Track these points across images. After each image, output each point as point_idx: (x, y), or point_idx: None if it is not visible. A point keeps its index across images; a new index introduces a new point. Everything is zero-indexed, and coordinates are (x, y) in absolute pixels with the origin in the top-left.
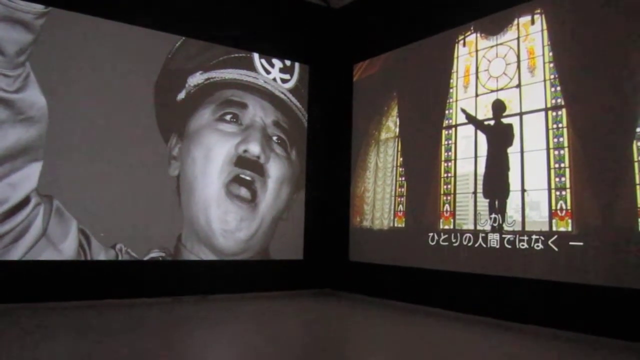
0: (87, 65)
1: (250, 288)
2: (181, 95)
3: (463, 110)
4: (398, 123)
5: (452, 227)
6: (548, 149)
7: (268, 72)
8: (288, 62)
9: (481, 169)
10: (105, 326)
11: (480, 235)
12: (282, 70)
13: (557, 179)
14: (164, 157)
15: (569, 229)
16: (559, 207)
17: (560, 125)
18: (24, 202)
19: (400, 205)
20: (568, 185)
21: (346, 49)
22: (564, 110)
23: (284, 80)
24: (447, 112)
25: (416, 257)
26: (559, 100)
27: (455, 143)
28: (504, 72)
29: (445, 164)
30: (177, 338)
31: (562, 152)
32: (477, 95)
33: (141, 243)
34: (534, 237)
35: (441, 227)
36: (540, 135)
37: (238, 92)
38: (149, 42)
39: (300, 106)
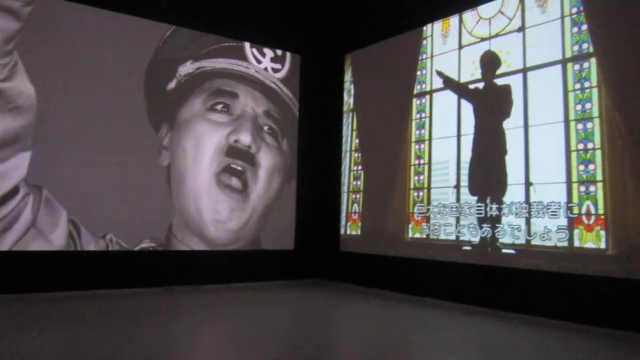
0: (76, 54)
1: (241, 278)
2: (171, 85)
3: (440, 73)
4: (352, 90)
5: (424, 236)
6: (567, 121)
7: (259, 62)
8: (279, 52)
9: (466, 154)
10: (95, 316)
11: (464, 249)
12: (273, 60)
13: (582, 168)
14: (154, 147)
15: (601, 245)
16: (584, 210)
17: (587, 84)
18: (13, 192)
19: (356, 205)
20: (599, 177)
21: (338, 38)
22: (592, 61)
23: (275, 70)
24: (418, 73)
25: (406, 246)
26: (584, 47)
27: (431, 117)
28: (500, 10)
29: (417, 147)
30: (167, 328)
31: (589, 125)
32: (460, 47)
33: (131, 233)
34: (545, 256)
35: (410, 235)
36: (555, 101)
37: (229, 81)
38: (139, 30)
39: (291, 96)
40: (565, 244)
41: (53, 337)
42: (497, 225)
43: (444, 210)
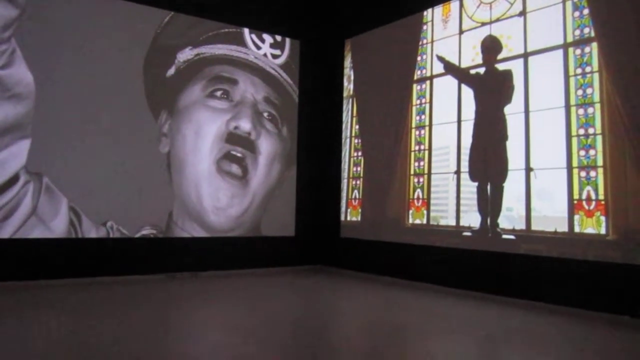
0: (74, 41)
1: (241, 265)
2: (171, 72)
3: (440, 58)
4: (352, 77)
5: (425, 221)
6: (568, 106)
7: (258, 48)
8: (279, 38)
9: (467, 139)
10: (97, 304)
11: (464, 235)
12: (272, 46)
13: (583, 153)
14: (154, 134)
15: (601, 230)
16: (585, 196)
17: (588, 69)
18: (13, 179)
19: (356, 191)
20: (600, 163)
21: (337, 24)
22: (593, 45)
23: (274, 56)
24: (419, 59)
25: (406, 232)
26: (586, 31)
27: (431, 102)
28: None
29: (417, 133)
30: (168, 315)
31: (590, 110)
32: (461, 32)
33: (132, 220)
34: (545, 242)
35: (410, 221)
36: (556, 86)
37: (228, 68)
38: (137, 17)
39: (291, 82)
40: (566, 229)
41: (54, 325)
42: (498, 210)
43: (444, 196)
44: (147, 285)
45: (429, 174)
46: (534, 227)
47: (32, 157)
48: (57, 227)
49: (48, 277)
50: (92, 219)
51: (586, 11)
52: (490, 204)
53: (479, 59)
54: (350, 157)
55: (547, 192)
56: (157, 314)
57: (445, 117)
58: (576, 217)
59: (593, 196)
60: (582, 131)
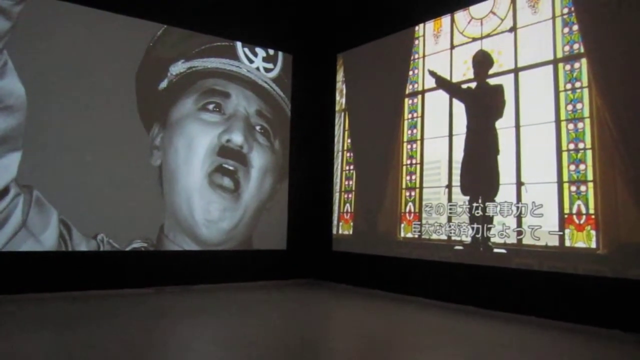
0: (66, 53)
1: (233, 278)
2: (163, 84)
3: (432, 73)
4: (344, 90)
5: (416, 235)
6: (558, 121)
7: (251, 61)
8: (271, 51)
9: (459, 153)
10: (87, 317)
11: (456, 249)
12: (265, 60)
13: (573, 168)
14: (145, 147)
15: (592, 244)
16: (575, 210)
17: (577, 84)
18: (3, 192)
19: (348, 205)
20: (590, 177)
21: (330, 38)
22: (583, 61)
23: (267, 70)
24: (410, 73)
25: (398, 246)
26: (575, 47)
27: (423, 116)
28: (492, 11)
29: (409, 146)
30: (159, 329)
31: (580, 125)
32: (452, 47)
33: (123, 233)
34: (536, 256)
35: (402, 235)
36: (547, 101)
37: (221, 81)
38: (130, 30)
39: (283, 95)
40: (556, 243)
41: (44, 339)
42: (489, 225)
43: (436, 210)
44: (138, 298)
45: (421, 187)
46: (525, 241)
47: (23, 170)
48: (47, 240)
49: (38, 290)
50: (82, 232)
51: (575, 27)
52: (481, 218)
53: (470, 74)
54: (342, 170)
55: (539, 207)
56: (147, 328)
57: (436, 131)
58: (567, 231)
59: (583, 210)
60: (572, 146)
